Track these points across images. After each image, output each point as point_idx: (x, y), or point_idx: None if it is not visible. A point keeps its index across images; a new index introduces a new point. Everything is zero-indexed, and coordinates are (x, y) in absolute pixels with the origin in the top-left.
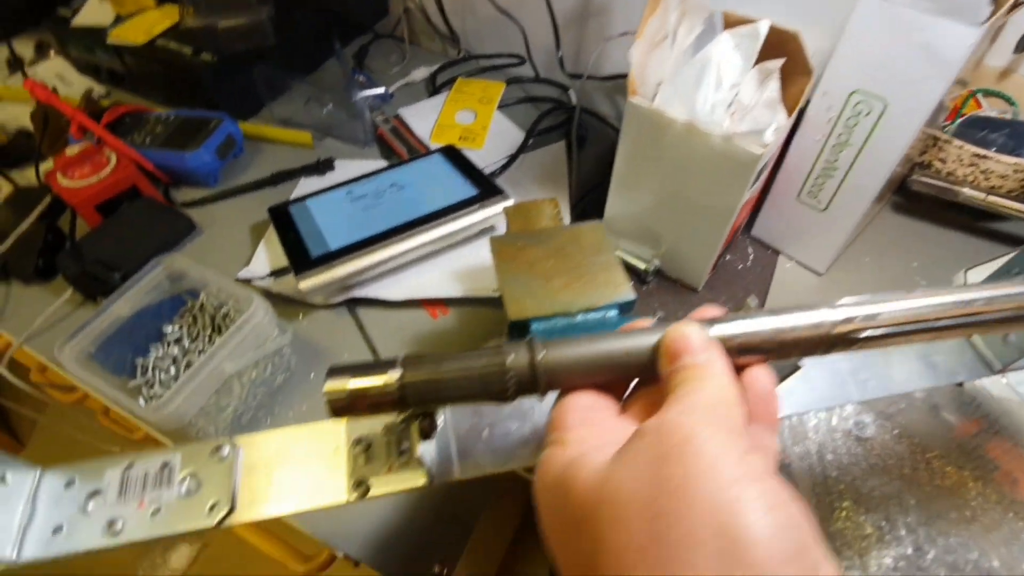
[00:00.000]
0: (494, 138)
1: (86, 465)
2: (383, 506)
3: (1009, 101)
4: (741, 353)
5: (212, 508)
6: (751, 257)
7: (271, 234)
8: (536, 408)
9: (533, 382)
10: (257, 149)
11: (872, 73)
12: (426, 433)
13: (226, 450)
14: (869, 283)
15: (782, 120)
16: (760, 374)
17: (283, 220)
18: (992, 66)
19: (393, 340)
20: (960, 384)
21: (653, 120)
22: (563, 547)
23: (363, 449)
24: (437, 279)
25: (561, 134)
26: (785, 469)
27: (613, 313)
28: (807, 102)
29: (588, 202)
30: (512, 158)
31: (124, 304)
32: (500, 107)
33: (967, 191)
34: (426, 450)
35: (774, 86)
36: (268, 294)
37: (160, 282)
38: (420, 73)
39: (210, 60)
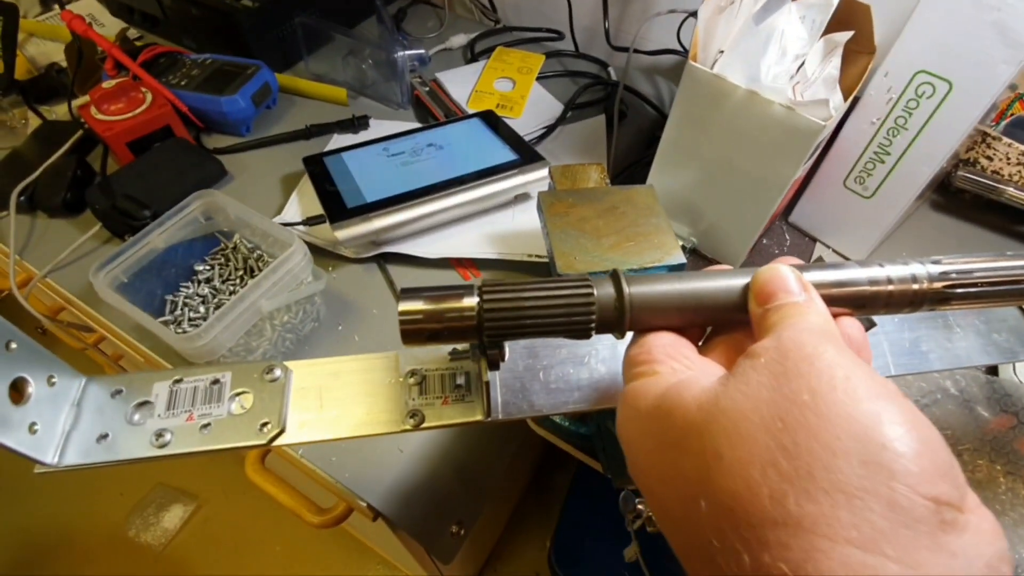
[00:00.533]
0: (532, 108)
1: (134, 377)
2: (407, 462)
3: None
4: (832, 304)
5: (263, 427)
6: (788, 243)
7: (304, 185)
8: (592, 354)
9: (619, 318)
10: (290, 102)
11: (940, 53)
12: (495, 364)
13: (277, 372)
14: None
15: (838, 98)
16: (851, 325)
17: (318, 170)
18: None
19: None
20: (994, 373)
21: (713, 86)
22: (662, 471)
23: (417, 381)
24: (471, 240)
25: (599, 110)
26: None
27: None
28: (866, 82)
29: (624, 179)
30: (550, 128)
31: (159, 237)
32: (539, 79)
33: (1012, 190)
34: (497, 379)
35: (835, 62)
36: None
37: (195, 218)
38: (458, 40)
39: (251, 5)
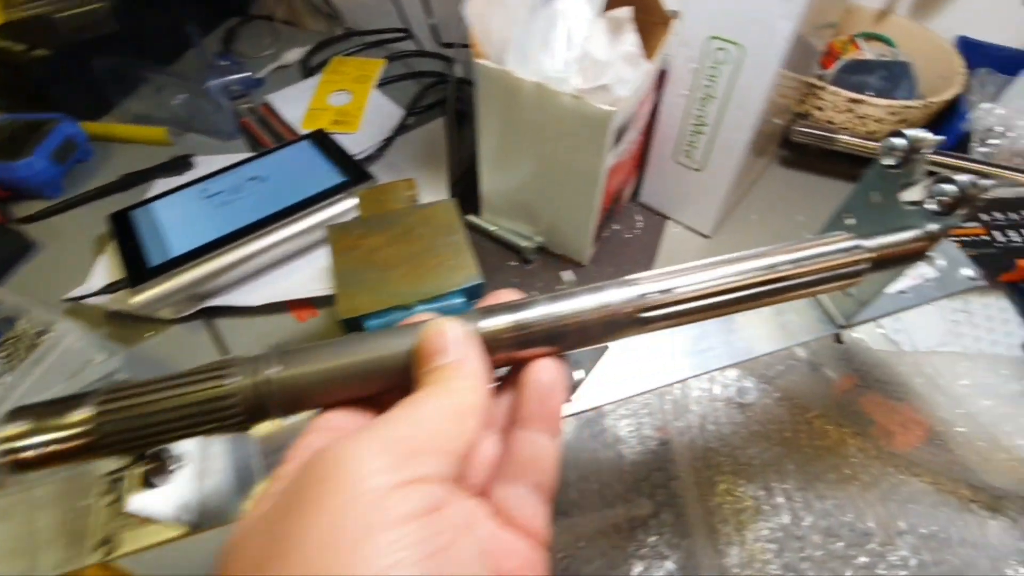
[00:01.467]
0: (371, 119)
1: None
2: None
3: (888, 42)
4: (521, 346)
5: None
6: (639, 224)
7: (114, 246)
8: None
9: (263, 407)
10: (108, 151)
11: (725, 16)
12: (151, 481)
13: None
14: (756, 241)
15: (643, 75)
16: (541, 370)
17: (124, 227)
18: (870, 8)
19: (257, 351)
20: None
21: (504, 83)
22: None
23: (116, 494)
24: (305, 278)
25: (443, 111)
26: (665, 446)
27: (458, 300)
28: (665, 54)
29: (469, 181)
30: (388, 140)
31: None
32: (381, 85)
33: (845, 137)
34: (162, 498)
35: (631, 39)
36: (110, 313)
37: None
38: (293, 55)
39: (44, 55)
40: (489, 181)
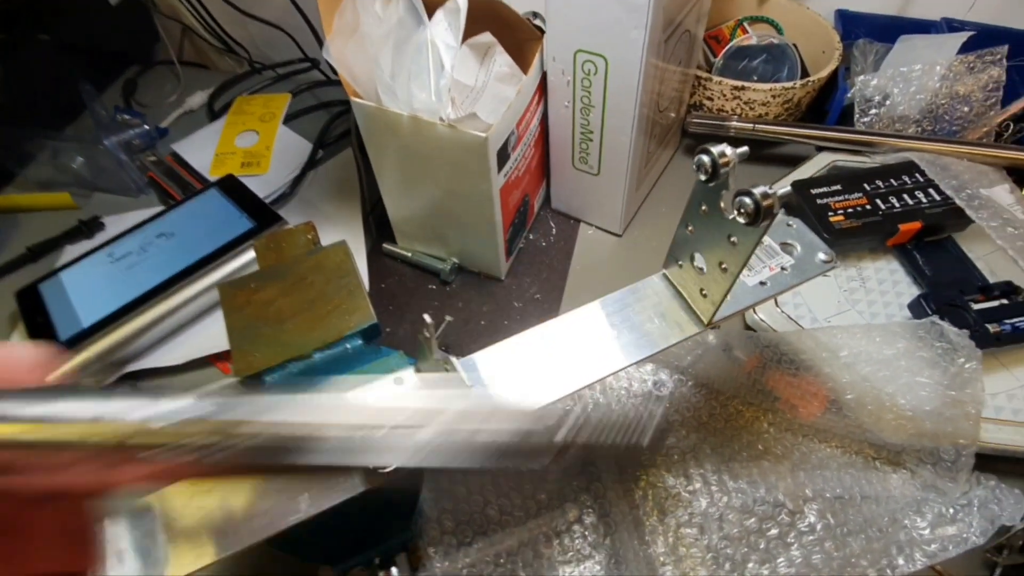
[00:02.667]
0: (280, 157)
1: None
2: None
3: (773, 24)
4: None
5: None
6: (553, 231)
7: (22, 323)
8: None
9: None
10: (12, 224)
11: (586, 31)
12: None
13: None
14: (668, 234)
15: (512, 94)
16: None
17: (32, 303)
18: None
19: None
20: (746, 325)
21: (380, 119)
22: None
23: None
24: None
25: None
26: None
27: (356, 343)
28: (544, 71)
29: (383, 209)
30: (299, 176)
31: None
32: (288, 120)
33: (736, 123)
34: None
35: (502, 59)
36: None
37: None
38: (197, 99)
39: None
40: (395, 209)
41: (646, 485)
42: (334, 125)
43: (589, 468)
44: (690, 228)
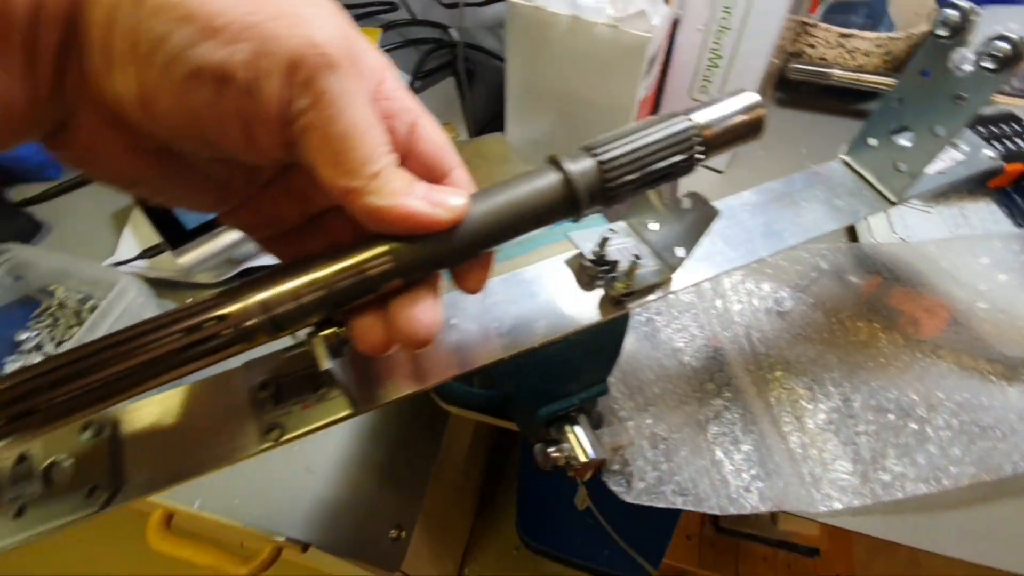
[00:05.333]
0: None
1: None
2: (321, 481)
3: None
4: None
5: (92, 493)
6: None
7: (137, 216)
8: (458, 315)
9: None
10: None
11: None
12: (337, 349)
13: (96, 427)
14: (765, 175)
15: (662, 9)
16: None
17: None
18: None
19: None
20: (854, 240)
21: (537, 20)
22: None
23: (270, 392)
24: None
25: (448, 73)
26: (718, 353)
27: None
28: None
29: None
30: None
31: None
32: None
33: (837, 72)
34: (339, 372)
35: None
36: (148, 280)
37: (0, 280)
38: None
39: None
40: (515, 130)
41: (779, 387)
42: (426, 61)
43: (724, 368)
44: (899, 99)
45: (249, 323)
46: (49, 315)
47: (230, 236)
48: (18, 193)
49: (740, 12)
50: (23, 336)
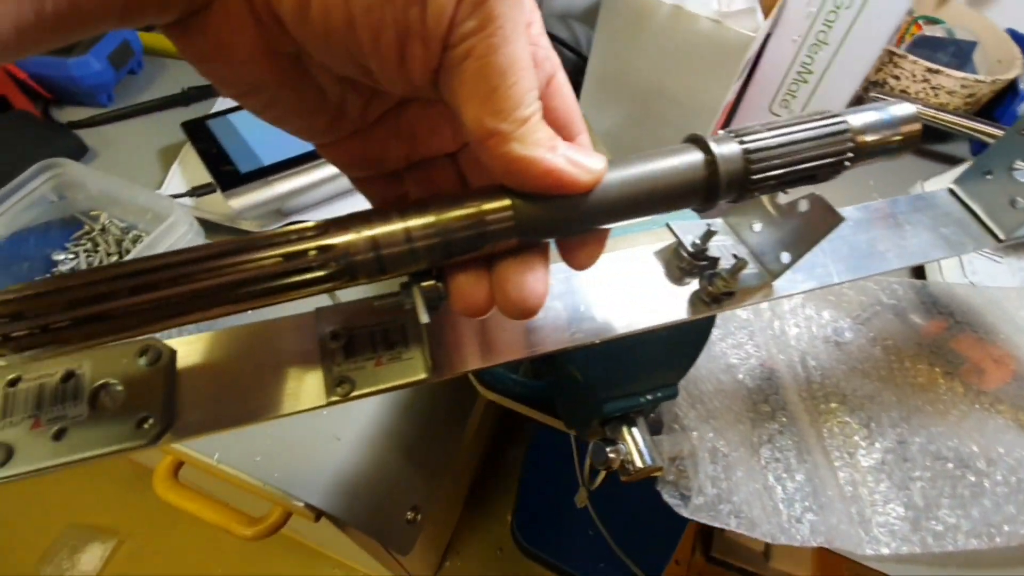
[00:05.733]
0: None
1: None
2: (347, 450)
3: (947, 28)
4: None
5: (142, 424)
6: None
7: (187, 154)
8: (562, 288)
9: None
10: (160, 65)
11: None
12: (435, 303)
13: (153, 352)
14: (832, 200)
15: (759, 16)
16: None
17: (202, 135)
18: None
19: None
20: (921, 277)
21: (635, 7)
22: None
23: (341, 344)
24: None
25: None
26: (772, 375)
27: None
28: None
29: None
30: None
31: None
32: None
33: (920, 107)
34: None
35: None
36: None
37: (42, 196)
38: None
39: None
40: (592, 120)
41: (833, 419)
42: None
43: (778, 391)
44: (988, 175)
45: (356, 259)
46: (89, 239)
47: (282, 186)
48: (67, 115)
49: (842, 27)
50: (60, 256)
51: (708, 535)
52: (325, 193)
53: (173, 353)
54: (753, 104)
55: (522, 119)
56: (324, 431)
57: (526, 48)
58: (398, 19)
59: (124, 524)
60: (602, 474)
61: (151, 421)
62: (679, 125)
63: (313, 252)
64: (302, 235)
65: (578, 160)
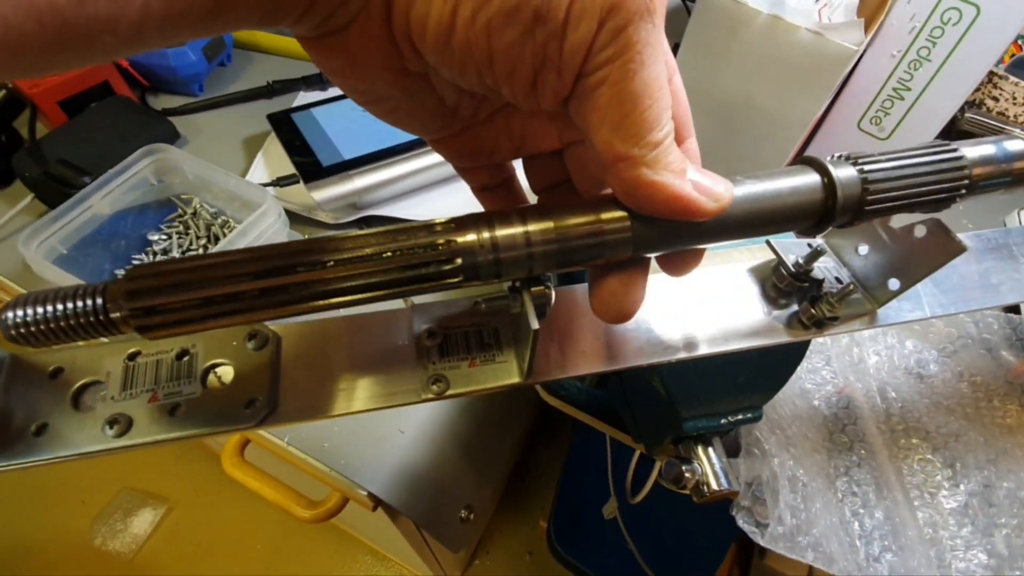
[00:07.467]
0: None
1: (77, 353)
2: (410, 444)
3: None
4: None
5: (251, 405)
6: None
7: (271, 145)
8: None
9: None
10: (247, 59)
11: None
12: (543, 309)
13: (261, 338)
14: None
15: (858, 29)
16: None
17: (287, 128)
18: None
19: None
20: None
21: (731, 13)
22: None
23: (436, 342)
24: (462, 200)
25: None
26: (849, 404)
27: None
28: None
29: None
30: None
31: (102, 201)
32: None
33: (1018, 132)
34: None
35: None
36: None
37: (144, 179)
38: None
39: None
40: None
41: (913, 455)
42: None
43: (856, 421)
44: None
45: (477, 259)
46: (181, 222)
47: (361, 181)
48: (161, 102)
49: (948, 44)
50: (154, 237)
51: (746, 561)
52: (401, 188)
53: (279, 339)
54: (841, 120)
55: (654, 143)
56: (390, 423)
57: (663, 70)
58: (536, 53)
59: (175, 493)
60: (646, 490)
61: (258, 404)
62: (764, 138)
63: (440, 248)
64: (428, 231)
65: (706, 187)
